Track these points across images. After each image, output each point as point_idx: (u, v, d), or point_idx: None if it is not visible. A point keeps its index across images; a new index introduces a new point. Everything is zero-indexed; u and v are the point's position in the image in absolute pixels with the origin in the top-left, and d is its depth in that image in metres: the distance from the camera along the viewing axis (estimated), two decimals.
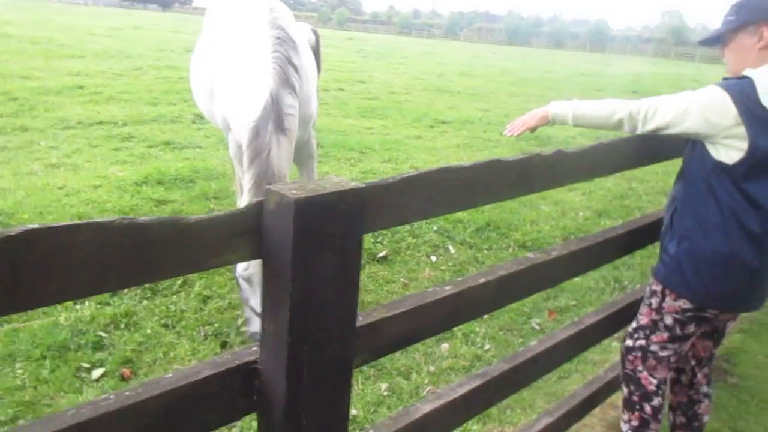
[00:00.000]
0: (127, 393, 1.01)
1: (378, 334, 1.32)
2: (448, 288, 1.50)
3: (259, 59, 2.97)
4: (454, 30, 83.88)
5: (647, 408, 2.18)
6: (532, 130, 2.05)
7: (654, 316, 2.14)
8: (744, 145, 1.80)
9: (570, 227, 5.42)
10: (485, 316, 3.75)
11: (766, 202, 1.85)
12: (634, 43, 62.02)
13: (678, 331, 2.09)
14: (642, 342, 2.18)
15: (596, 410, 2.81)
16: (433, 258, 4.56)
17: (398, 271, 4.30)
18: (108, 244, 0.89)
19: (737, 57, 1.92)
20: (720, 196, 1.89)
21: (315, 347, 1.11)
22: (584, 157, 1.79)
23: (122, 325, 3.24)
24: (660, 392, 2.19)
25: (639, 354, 2.18)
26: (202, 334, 3.25)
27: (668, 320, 2.10)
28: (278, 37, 3.00)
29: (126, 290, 3.60)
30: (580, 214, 5.89)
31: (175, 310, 3.44)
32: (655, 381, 2.17)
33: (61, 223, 0.85)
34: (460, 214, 5.19)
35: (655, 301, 2.13)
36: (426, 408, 1.60)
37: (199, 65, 3.77)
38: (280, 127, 2.73)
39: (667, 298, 2.08)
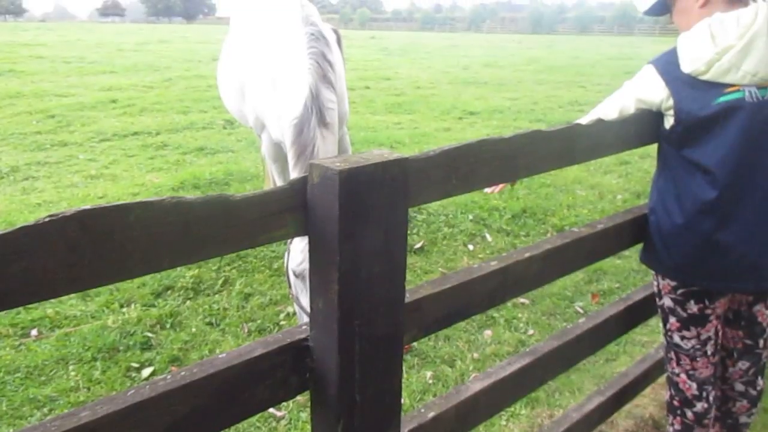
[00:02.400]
0: (183, 373, 1.02)
1: (426, 310, 1.31)
2: (493, 263, 1.48)
3: (294, 55, 2.97)
4: (477, 22, 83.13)
5: (689, 414, 2.03)
6: (512, 183, 2.07)
7: (659, 302, 2.03)
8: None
9: (609, 210, 5.31)
10: (527, 301, 3.71)
11: (712, 164, 1.74)
12: (662, 25, 60.44)
13: (681, 312, 1.95)
14: (666, 338, 2.04)
15: (647, 390, 2.75)
16: (471, 247, 4.52)
17: (436, 261, 4.28)
18: (158, 223, 0.89)
19: (683, 20, 1.85)
20: (672, 166, 1.86)
21: (365, 322, 1.10)
22: (628, 124, 1.74)
23: (168, 325, 3.30)
24: (704, 395, 2.01)
25: (672, 354, 2.04)
26: (246, 330, 3.29)
27: (668, 302, 1.98)
28: (312, 34, 2.99)
29: (170, 291, 3.66)
30: (618, 196, 5.78)
31: (218, 309, 3.49)
32: (695, 384, 2.01)
33: (113, 204, 0.86)
34: (495, 202, 5.14)
35: (654, 285, 2.04)
36: (476, 387, 1.59)
37: (229, 66, 3.79)
38: (323, 122, 2.73)
39: (659, 278, 1.99)
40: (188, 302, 3.57)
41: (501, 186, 2.03)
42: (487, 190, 2.03)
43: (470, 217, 4.94)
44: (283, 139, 3.01)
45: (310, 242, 1.09)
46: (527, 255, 1.55)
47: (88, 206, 0.85)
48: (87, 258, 0.84)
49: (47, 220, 0.80)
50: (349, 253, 1.03)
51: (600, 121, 1.64)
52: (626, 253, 4.21)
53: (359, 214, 1.02)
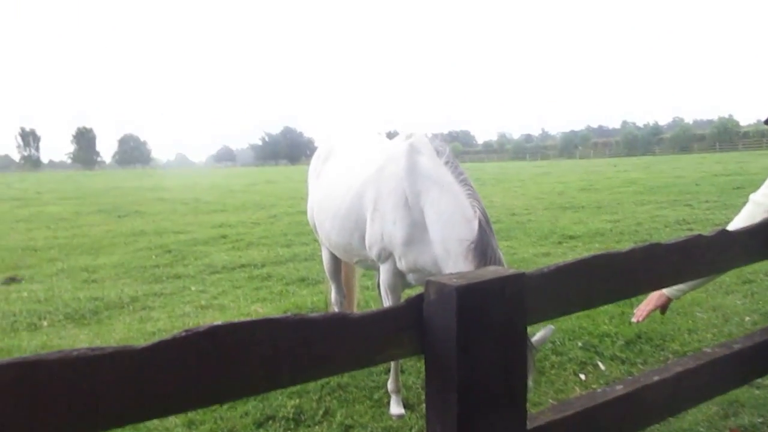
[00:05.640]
0: None
1: None
2: (619, 387, 1.37)
3: (443, 182, 3.13)
4: (569, 149, 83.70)
5: None
6: (662, 311, 2.03)
7: None
8: None
9: (737, 334, 4.83)
10: None
11: None
12: None
13: None
14: None
15: None
16: (582, 376, 4.22)
17: (545, 392, 4.01)
18: (281, 339, 0.91)
19: None
20: None
21: None
22: (754, 235, 1.63)
23: None
24: None
25: None
26: None
27: None
28: (450, 163, 3.20)
29: (271, 421, 3.64)
30: (747, 318, 5.27)
31: None
32: None
33: (242, 320, 0.90)
34: (605, 327, 4.85)
35: None
36: None
37: (336, 200, 3.85)
38: (496, 243, 2.90)
39: None
40: None
41: (648, 311, 1.97)
42: (634, 318, 1.99)
43: (579, 344, 4.66)
44: (433, 264, 3.11)
45: (426, 362, 1.06)
46: (656, 378, 1.43)
47: (219, 322, 0.88)
48: (213, 372, 0.86)
49: (183, 335, 0.84)
50: (467, 372, 0.99)
51: (724, 232, 1.55)
52: (766, 382, 3.77)
53: (477, 330, 1.00)
